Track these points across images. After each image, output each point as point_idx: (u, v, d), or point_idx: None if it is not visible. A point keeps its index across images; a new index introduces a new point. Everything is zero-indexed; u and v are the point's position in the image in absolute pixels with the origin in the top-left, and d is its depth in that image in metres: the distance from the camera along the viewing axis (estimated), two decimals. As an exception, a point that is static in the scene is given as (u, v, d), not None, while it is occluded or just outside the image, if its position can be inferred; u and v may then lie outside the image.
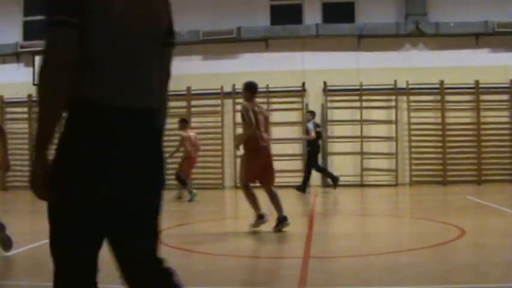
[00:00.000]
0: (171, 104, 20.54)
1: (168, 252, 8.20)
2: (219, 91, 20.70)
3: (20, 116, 22.36)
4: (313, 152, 18.04)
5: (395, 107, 20.45)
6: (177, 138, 16.24)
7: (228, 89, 20.61)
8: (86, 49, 2.60)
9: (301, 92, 20.51)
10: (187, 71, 20.53)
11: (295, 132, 20.42)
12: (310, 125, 17.89)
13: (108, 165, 2.62)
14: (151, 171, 2.83)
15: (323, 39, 20.40)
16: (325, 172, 18.65)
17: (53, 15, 2.56)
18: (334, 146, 20.63)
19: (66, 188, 2.63)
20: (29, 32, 22.59)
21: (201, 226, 10.90)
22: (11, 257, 7.87)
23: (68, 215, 2.67)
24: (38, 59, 21.61)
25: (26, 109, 22.22)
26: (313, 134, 17.63)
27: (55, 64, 2.53)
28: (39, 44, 21.71)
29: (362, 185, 20.15)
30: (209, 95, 20.81)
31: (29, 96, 21.91)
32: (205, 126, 20.83)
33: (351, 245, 8.77)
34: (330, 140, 20.57)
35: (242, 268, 7.05)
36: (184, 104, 20.84)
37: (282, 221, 9.75)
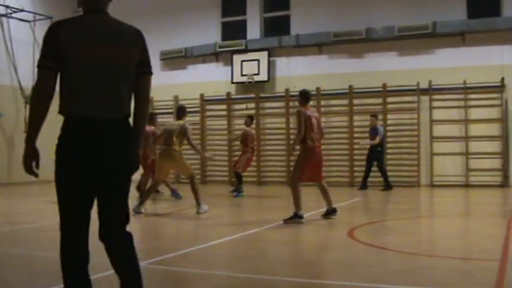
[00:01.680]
0: (367, 101, 20.62)
1: (362, 249, 8.27)
2: (415, 87, 20.25)
3: (219, 113, 23.34)
4: (382, 152, 19.04)
5: None
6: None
7: (424, 85, 20.11)
8: (66, 81, 3.90)
9: (500, 87, 19.55)
10: (382, 68, 20.48)
11: (494, 130, 19.55)
12: (381, 128, 18.87)
13: (75, 154, 3.90)
14: (111, 159, 3.98)
15: (524, 32, 19.29)
16: (385, 175, 18.67)
17: (39, 60, 3.87)
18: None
19: (56, 168, 3.97)
20: (227, 32, 23.50)
21: (396, 224, 10.80)
22: (211, 246, 8.30)
23: (59, 185, 4.00)
24: (235, 58, 22.45)
25: (224, 106, 23.16)
26: (377, 139, 18.56)
27: (37, 92, 3.88)
28: (236, 44, 22.53)
29: None
30: (405, 92, 20.45)
31: (228, 94, 22.78)
32: (400, 123, 20.51)
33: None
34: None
35: (435, 268, 6.92)
36: (379, 100, 20.65)
37: (330, 212, 11.09)
